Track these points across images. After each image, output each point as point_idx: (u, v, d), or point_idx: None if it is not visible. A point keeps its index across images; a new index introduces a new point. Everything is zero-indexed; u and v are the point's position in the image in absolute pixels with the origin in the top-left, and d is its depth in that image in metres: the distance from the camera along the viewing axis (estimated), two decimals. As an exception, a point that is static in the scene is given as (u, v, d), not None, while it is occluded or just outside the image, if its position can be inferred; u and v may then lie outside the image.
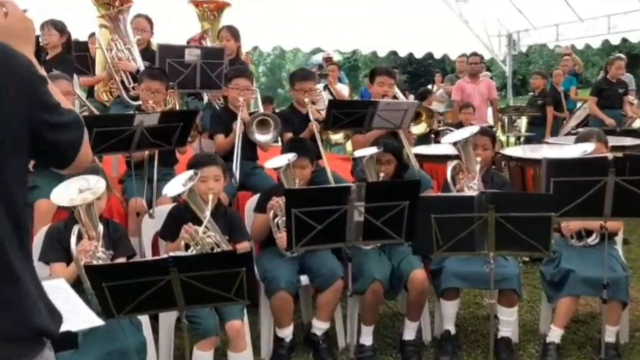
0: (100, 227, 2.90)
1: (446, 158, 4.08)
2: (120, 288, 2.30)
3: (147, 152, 3.83)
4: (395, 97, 4.43)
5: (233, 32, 5.44)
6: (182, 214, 3.25)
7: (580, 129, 6.30)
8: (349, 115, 3.97)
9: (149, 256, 3.49)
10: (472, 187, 3.51)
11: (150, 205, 3.69)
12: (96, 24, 5.15)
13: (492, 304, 3.16)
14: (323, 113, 4.25)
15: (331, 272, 3.43)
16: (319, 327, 3.51)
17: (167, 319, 3.20)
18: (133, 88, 4.71)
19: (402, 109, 4.09)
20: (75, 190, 2.78)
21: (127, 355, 2.70)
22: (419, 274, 3.46)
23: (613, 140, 4.65)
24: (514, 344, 3.58)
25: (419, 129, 4.64)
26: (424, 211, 2.89)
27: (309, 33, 10.39)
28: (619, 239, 3.80)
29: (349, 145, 5.68)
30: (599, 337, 3.39)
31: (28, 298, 1.24)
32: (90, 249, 2.81)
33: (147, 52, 5.07)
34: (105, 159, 4.50)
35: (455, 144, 3.62)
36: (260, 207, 3.58)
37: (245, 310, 3.24)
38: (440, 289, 3.52)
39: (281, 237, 3.38)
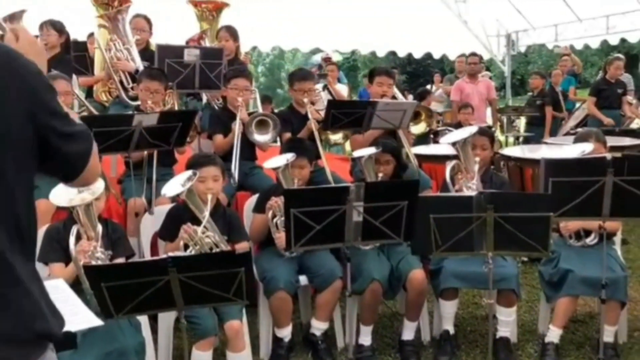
0: (99, 228, 2.91)
1: (445, 158, 4.08)
2: (119, 288, 2.30)
3: (145, 152, 3.83)
4: (394, 97, 4.43)
5: (232, 32, 5.44)
6: (181, 214, 3.25)
7: (579, 129, 6.31)
8: (348, 116, 3.97)
9: (147, 256, 3.49)
10: (470, 187, 3.51)
11: (149, 205, 3.70)
12: (95, 24, 5.15)
13: (491, 304, 3.16)
14: (322, 113, 4.25)
15: (330, 272, 3.43)
16: (318, 327, 3.51)
17: (166, 319, 3.20)
18: (132, 88, 4.70)
19: (401, 109, 4.09)
20: (74, 191, 2.79)
21: (126, 355, 2.70)
22: (417, 274, 3.46)
23: (612, 141, 4.65)
24: (513, 344, 3.58)
25: (419, 128, 4.65)
26: (422, 211, 2.89)
27: (308, 33, 10.39)
28: (617, 239, 3.81)
29: (348, 146, 5.69)
30: (598, 337, 3.39)
31: (29, 300, 1.23)
32: (89, 249, 2.81)
33: (146, 52, 5.06)
34: (104, 159, 4.49)
35: (454, 144, 3.62)
36: (259, 207, 3.58)
37: (244, 311, 3.24)
38: (439, 289, 3.52)
39: (280, 237, 3.38)
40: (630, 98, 8.35)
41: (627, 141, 5.84)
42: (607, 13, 9.92)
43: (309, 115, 4.21)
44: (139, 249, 3.55)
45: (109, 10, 4.96)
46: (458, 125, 6.72)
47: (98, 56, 5.22)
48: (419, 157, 4.79)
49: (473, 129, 3.79)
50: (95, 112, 4.77)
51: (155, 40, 5.32)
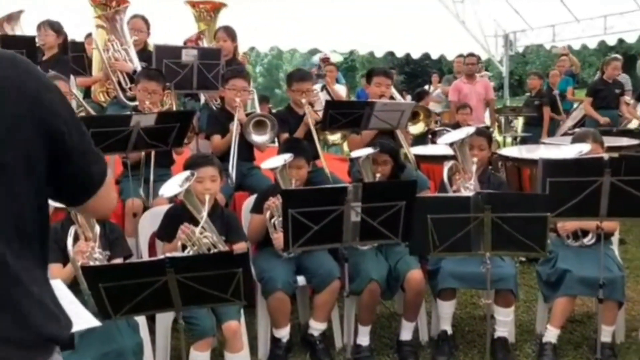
0: (97, 228, 2.90)
1: (443, 158, 4.08)
2: (117, 289, 2.30)
3: (143, 153, 3.83)
4: (392, 97, 4.44)
5: (230, 33, 5.44)
6: (179, 214, 3.25)
7: (576, 130, 6.32)
8: (346, 116, 3.98)
9: (145, 257, 3.49)
10: (468, 188, 3.51)
11: (146, 206, 3.70)
12: (93, 25, 5.15)
13: (489, 304, 3.17)
14: (320, 114, 4.26)
15: (328, 272, 3.43)
16: (316, 327, 3.51)
17: (164, 319, 3.20)
18: (130, 89, 4.71)
19: (399, 110, 4.10)
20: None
21: (124, 356, 2.70)
22: (415, 275, 3.46)
23: (609, 141, 4.66)
24: (511, 344, 3.58)
25: (417, 128, 4.65)
26: (420, 211, 2.89)
27: (307, 33, 10.39)
28: (615, 239, 3.81)
29: (346, 146, 5.70)
30: (595, 337, 3.39)
31: (35, 303, 1.22)
32: (87, 249, 2.81)
33: (144, 53, 5.06)
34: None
35: (451, 144, 3.62)
36: (257, 208, 3.58)
37: (242, 311, 3.24)
38: (437, 289, 3.52)
39: (278, 238, 3.38)
40: (627, 98, 8.35)
41: (624, 141, 5.85)
42: (605, 13, 9.94)
43: (307, 113, 4.21)
44: (136, 249, 3.55)
45: (106, 10, 4.96)
46: (456, 125, 6.72)
47: (96, 57, 5.22)
48: (417, 157, 4.79)
49: (470, 129, 3.79)
50: (93, 113, 4.78)
51: (153, 40, 5.33)
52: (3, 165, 1.17)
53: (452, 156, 3.70)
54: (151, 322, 3.21)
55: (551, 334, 3.45)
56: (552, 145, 5.92)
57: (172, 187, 3.09)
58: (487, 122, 8.31)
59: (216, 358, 3.28)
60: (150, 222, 3.55)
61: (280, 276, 3.37)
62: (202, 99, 5.29)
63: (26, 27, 5.43)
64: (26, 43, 4.47)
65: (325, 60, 9.69)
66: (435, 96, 10.15)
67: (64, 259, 2.87)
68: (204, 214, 3.10)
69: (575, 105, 9.11)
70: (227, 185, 3.88)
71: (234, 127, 4.10)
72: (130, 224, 3.73)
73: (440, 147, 5.05)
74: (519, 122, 9.26)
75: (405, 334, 3.58)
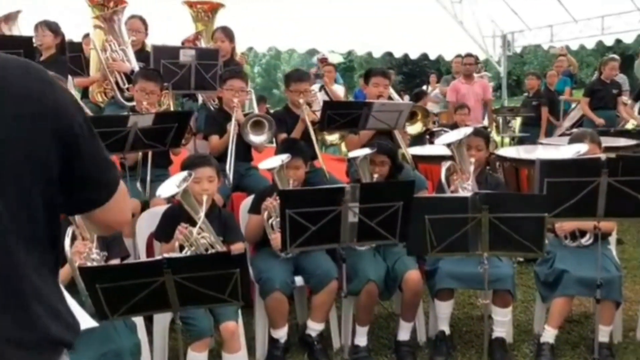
0: (95, 229, 2.90)
1: (441, 159, 4.08)
2: (115, 289, 2.30)
3: (140, 153, 3.82)
4: (390, 98, 4.44)
5: (227, 33, 5.43)
6: (177, 215, 3.25)
7: (574, 130, 6.32)
8: (343, 116, 3.97)
9: (143, 257, 3.49)
10: (466, 188, 3.51)
11: (144, 206, 3.69)
12: (90, 25, 5.14)
13: (487, 304, 3.17)
14: (318, 114, 4.26)
15: (326, 273, 3.43)
16: (314, 328, 3.51)
17: (162, 320, 3.19)
18: (127, 89, 4.70)
19: (397, 110, 4.10)
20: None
21: (122, 356, 2.69)
22: (413, 275, 3.46)
23: (606, 141, 4.66)
24: (508, 344, 3.59)
25: (415, 128, 4.65)
26: (418, 212, 2.89)
27: (305, 34, 10.39)
28: (612, 239, 3.82)
29: (344, 146, 5.69)
30: (593, 337, 3.40)
31: (45, 305, 1.22)
32: (85, 250, 2.80)
33: (141, 53, 5.06)
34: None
35: (449, 145, 3.62)
36: (255, 208, 3.58)
37: (239, 312, 3.24)
38: (435, 290, 3.52)
39: (275, 238, 3.38)
40: (625, 99, 8.37)
41: (621, 142, 5.86)
42: (602, 14, 9.96)
43: (304, 112, 4.21)
44: (134, 250, 3.54)
45: (104, 11, 4.96)
46: (454, 126, 6.72)
47: (94, 57, 5.22)
48: (414, 157, 4.79)
49: (468, 130, 3.79)
50: (91, 113, 4.76)
51: (151, 41, 5.32)
52: (16, 167, 1.17)
53: (449, 156, 3.71)
54: (149, 322, 3.21)
55: (549, 334, 3.45)
56: (550, 145, 5.92)
57: (170, 187, 3.09)
58: (486, 122, 8.33)
59: (214, 359, 3.28)
60: (147, 222, 3.55)
61: (277, 276, 3.37)
62: (200, 99, 5.29)
63: (24, 28, 5.42)
64: (23, 43, 4.46)
65: (323, 61, 9.69)
66: (433, 96, 10.15)
67: (62, 260, 2.86)
68: (202, 214, 3.10)
69: (572, 105, 9.13)
70: (224, 186, 3.87)
71: (232, 127, 4.10)
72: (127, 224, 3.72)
73: (438, 148, 5.05)
74: (516, 123, 9.28)
75: (403, 334, 3.58)
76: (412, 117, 4.45)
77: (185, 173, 3.13)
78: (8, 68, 1.19)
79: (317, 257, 3.49)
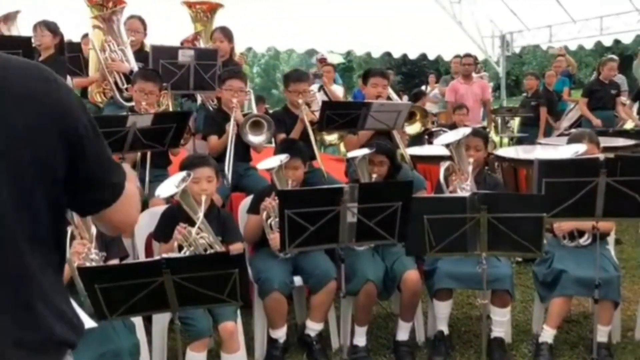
0: (93, 229, 2.89)
1: (439, 159, 4.09)
2: (113, 290, 2.30)
3: (139, 154, 3.82)
4: (389, 98, 4.44)
5: (226, 34, 5.44)
6: (176, 215, 3.25)
7: (572, 130, 6.33)
8: (342, 117, 3.97)
9: (142, 258, 3.49)
10: (464, 188, 3.52)
11: (143, 206, 3.69)
12: (89, 25, 5.14)
13: (485, 304, 3.18)
14: (317, 114, 4.26)
15: (324, 273, 3.43)
16: (313, 328, 3.52)
17: (161, 320, 3.19)
18: (126, 89, 4.70)
19: (396, 110, 4.10)
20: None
21: (121, 356, 2.69)
22: (412, 275, 3.47)
23: (605, 141, 4.67)
24: (507, 344, 3.59)
25: (414, 128, 4.65)
26: (416, 212, 2.90)
27: (304, 34, 10.39)
28: (611, 239, 3.82)
29: (343, 147, 5.69)
30: (591, 337, 3.41)
31: (50, 306, 1.22)
32: (83, 250, 2.80)
33: (140, 54, 5.06)
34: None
35: (447, 145, 3.63)
36: (254, 208, 3.58)
37: (238, 312, 3.24)
38: (434, 290, 3.53)
39: (274, 238, 3.39)
40: (623, 99, 8.38)
41: (620, 142, 5.87)
42: (601, 14, 9.96)
43: (302, 112, 4.21)
44: (133, 250, 3.54)
45: (103, 11, 4.95)
46: (453, 126, 6.73)
47: (92, 57, 5.21)
48: (413, 157, 4.80)
49: (466, 130, 3.80)
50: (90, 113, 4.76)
51: (150, 41, 5.31)
52: (17, 167, 1.17)
53: (448, 157, 3.71)
54: (148, 322, 3.21)
55: (547, 334, 3.45)
56: (549, 145, 5.93)
57: (169, 187, 3.09)
58: (484, 122, 8.33)
59: (212, 359, 3.28)
60: (146, 222, 3.55)
61: (276, 277, 3.37)
62: (199, 99, 5.28)
63: (23, 28, 5.42)
64: (22, 43, 4.46)
65: (322, 61, 9.68)
66: (432, 97, 10.16)
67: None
68: (201, 214, 3.10)
69: (571, 105, 9.13)
70: (223, 186, 3.88)
71: (231, 127, 4.10)
72: (126, 224, 3.71)
73: (436, 148, 5.06)
74: (515, 123, 9.27)
75: (402, 334, 3.58)
76: (410, 117, 4.45)
77: (184, 173, 3.14)
78: (9, 68, 1.19)
79: (316, 257, 3.50)
